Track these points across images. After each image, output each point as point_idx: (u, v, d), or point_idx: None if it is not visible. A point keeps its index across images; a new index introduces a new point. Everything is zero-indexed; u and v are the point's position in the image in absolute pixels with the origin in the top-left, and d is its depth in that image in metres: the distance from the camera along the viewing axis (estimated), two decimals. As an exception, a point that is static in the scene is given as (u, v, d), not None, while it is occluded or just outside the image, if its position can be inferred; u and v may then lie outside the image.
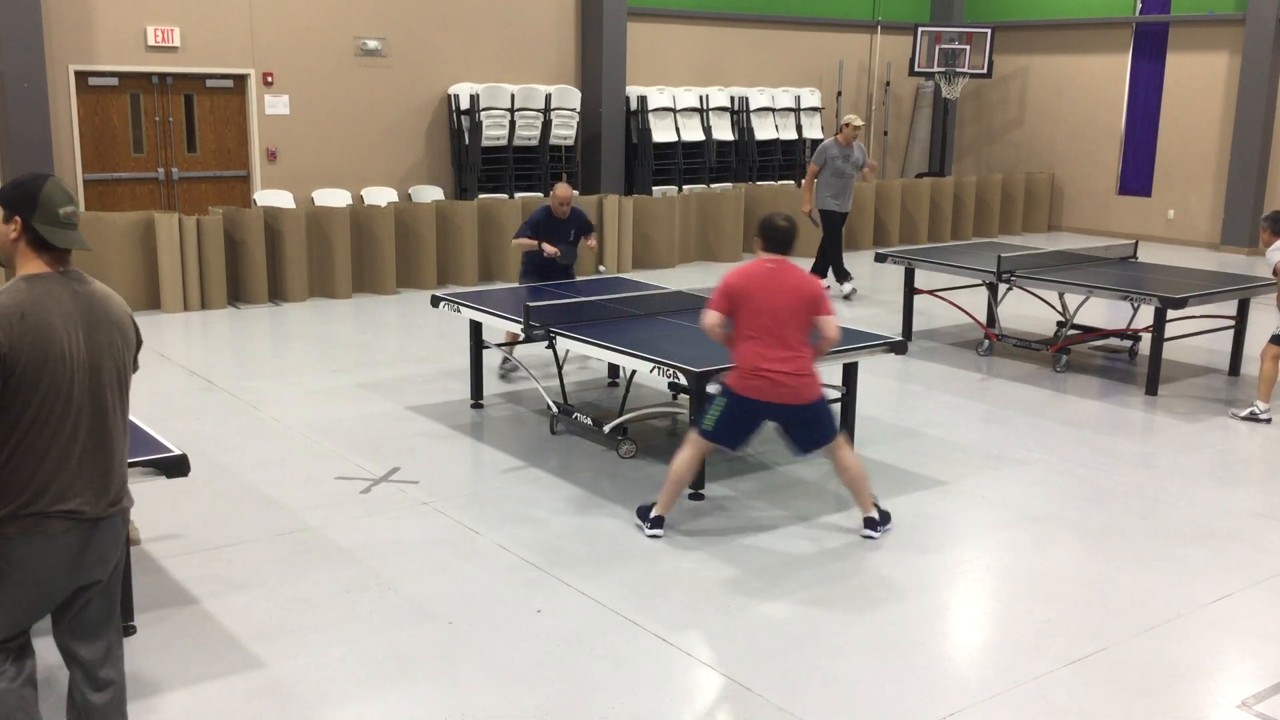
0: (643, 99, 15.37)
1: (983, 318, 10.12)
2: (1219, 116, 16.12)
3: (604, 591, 4.98)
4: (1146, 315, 8.78)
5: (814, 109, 17.03)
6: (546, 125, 14.56)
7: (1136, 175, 17.17)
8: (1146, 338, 8.94)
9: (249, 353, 9.29)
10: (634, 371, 6.74)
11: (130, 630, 4.51)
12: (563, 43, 15.23)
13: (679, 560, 5.33)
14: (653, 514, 5.61)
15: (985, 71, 17.26)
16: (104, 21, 12.15)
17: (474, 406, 7.77)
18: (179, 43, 12.55)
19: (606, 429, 6.81)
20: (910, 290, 10.14)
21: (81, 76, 12.17)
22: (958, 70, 17.20)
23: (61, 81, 12.01)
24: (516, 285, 8.63)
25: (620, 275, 11.62)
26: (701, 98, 15.90)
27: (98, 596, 3.33)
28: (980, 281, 9.80)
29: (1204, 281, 8.92)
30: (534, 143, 14.51)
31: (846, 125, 11.57)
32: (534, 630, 4.63)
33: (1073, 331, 9.54)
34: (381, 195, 13.74)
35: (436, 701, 4.09)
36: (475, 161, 14.02)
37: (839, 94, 17.92)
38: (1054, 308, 9.96)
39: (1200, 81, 16.27)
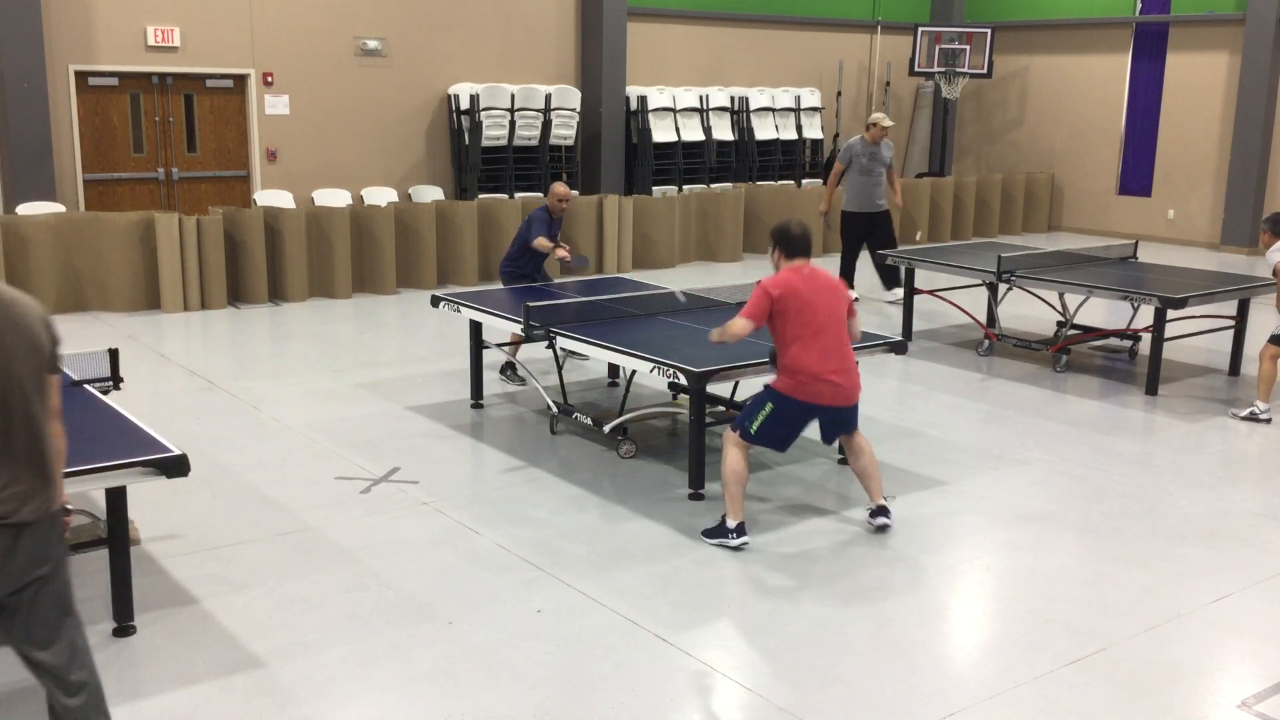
0: (643, 99, 15.37)
1: (983, 318, 10.12)
2: (1219, 116, 16.12)
3: (604, 591, 4.98)
4: (1146, 315, 8.78)
5: (814, 109, 17.03)
6: (546, 125, 14.56)
7: (1136, 175, 17.17)
8: (1146, 338, 8.94)
9: (249, 353, 9.28)
10: (634, 371, 6.74)
11: (130, 630, 4.52)
12: (563, 43, 15.23)
13: (679, 560, 5.33)
14: (731, 524, 5.44)
15: (985, 71, 17.26)
16: (104, 21, 12.15)
17: (474, 406, 7.77)
18: (179, 43, 12.55)
19: (606, 429, 6.81)
20: (910, 290, 10.14)
21: (81, 76, 12.17)
22: (958, 70, 17.20)
23: (61, 81, 12.01)
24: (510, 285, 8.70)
25: (620, 275, 11.63)
26: (701, 98, 15.90)
27: (45, 598, 3.25)
28: (980, 281, 9.80)
29: (1204, 281, 8.92)
30: (534, 143, 14.52)
31: (874, 124, 11.10)
32: (534, 630, 4.63)
33: (1073, 331, 9.54)
34: (381, 195, 13.75)
35: (436, 701, 4.09)
36: (475, 161, 14.03)
37: (839, 94, 17.92)
38: (1054, 308, 9.96)
39: (1200, 81, 16.28)
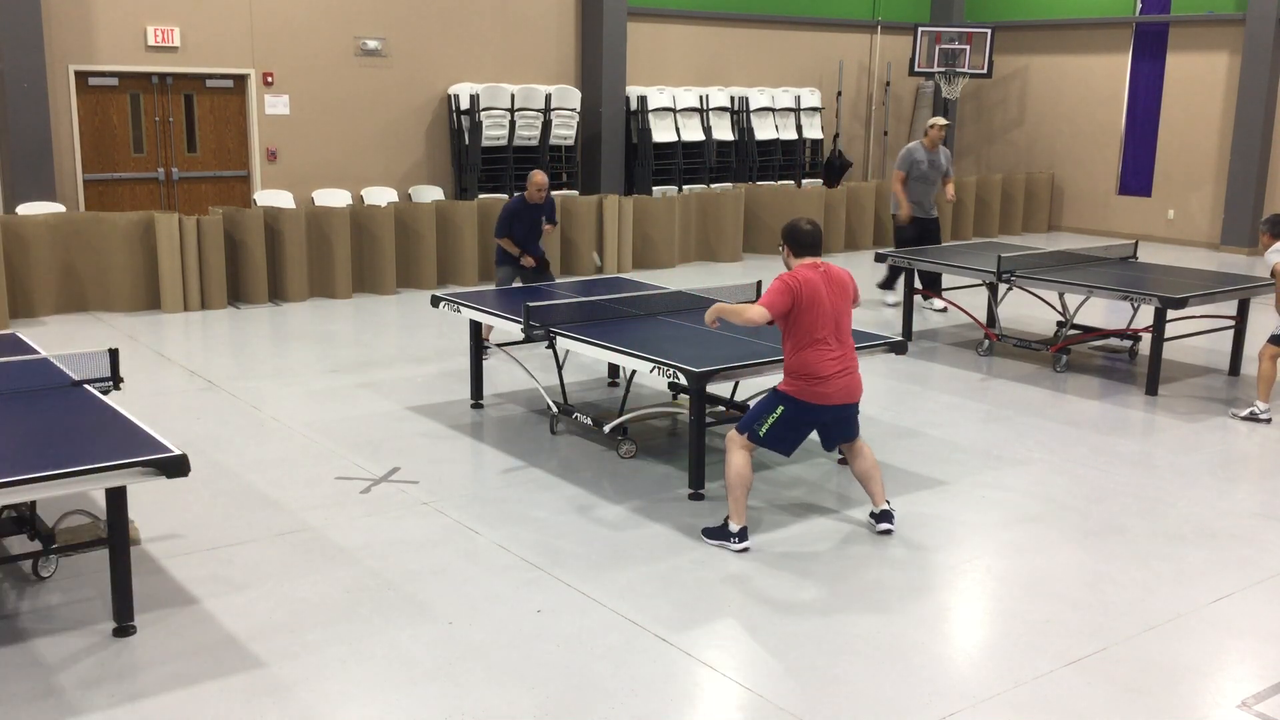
0: (643, 99, 15.37)
1: (983, 318, 10.12)
2: (1219, 116, 16.12)
3: (604, 591, 4.98)
4: (1146, 315, 8.78)
5: (814, 109, 17.03)
6: (546, 125, 14.56)
7: (1136, 175, 17.17)
8: (1146, 338, 8.94)
9: (249, 353, 9.29)
10: (634, 371, 6.74)
11: (130, 630, 4.52)
12: (563, 43, 15.23)
13: (679, 560, 5.33)
14: (734, 528, 5.43)
15: (985, 71, 17.26)
16: (104, 21, 12.15)
17: (474, 406, 7.77)
18: (179, 43, 12.55)
19: (606, 429, 6.81)
20: (910, 290, 10.14)
21: (81, 76, 12.17)
22: (958, 70, 17.19)
23: (61, 81, 12.01)
24: (511, 286, 8.81)
25: (620, 275, 11.63)
26: (701, 98, 15.90)
27: None
28: (980, 281, 9.80)
29: (1204, 281, 8.92)
30: (534, 143, 14.52)
31: (932, 127, 10.89)
32: (534, 630, 4.63)
33: (1073, 331, 9.54)
34: (381, 195, 13.75)
35: (436, 701, 4.09)
36: (475, 161, 14.02)
37: (839, 94, 17.92)
38: (1054, 308, 9.96)
39: (1200, 81, 16.27)
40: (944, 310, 11.21)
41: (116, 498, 4.40)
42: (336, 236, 11.47)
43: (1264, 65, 15.30)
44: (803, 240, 5.44)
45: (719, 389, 7.08)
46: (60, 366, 5.59)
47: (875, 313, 11.19)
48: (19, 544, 5.24)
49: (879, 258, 10.28)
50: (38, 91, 11.60)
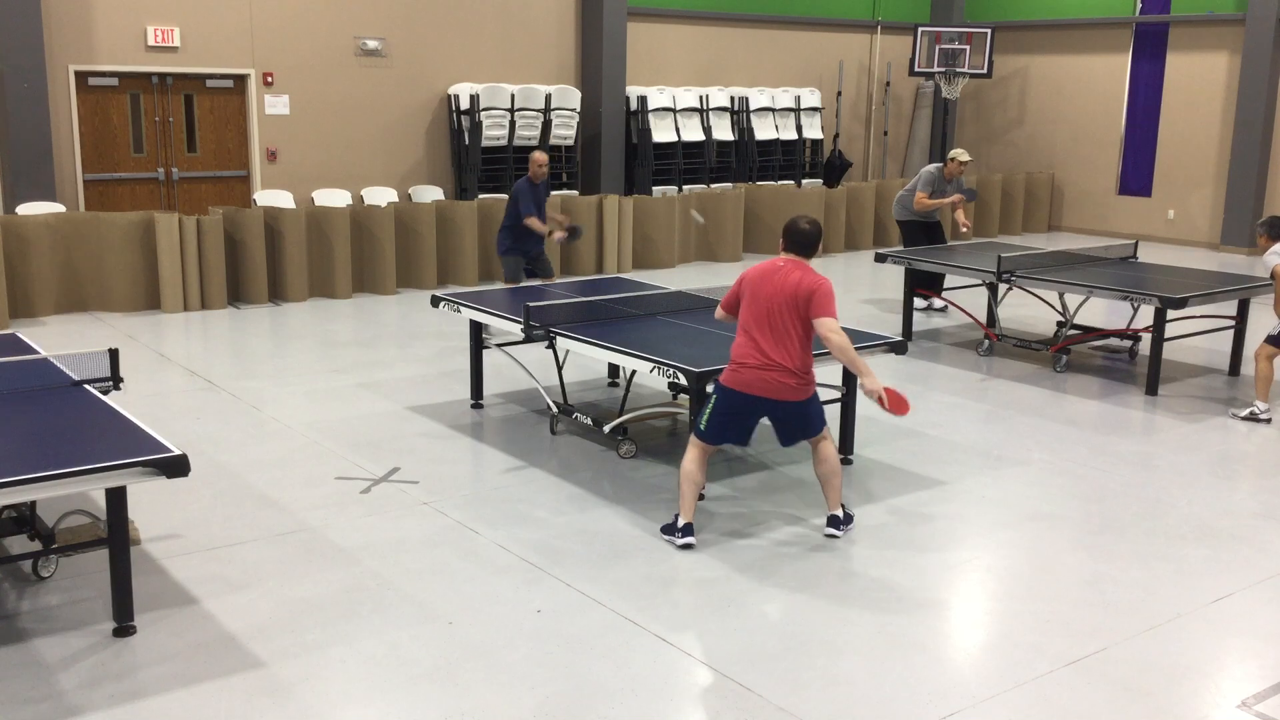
0: (643, 99, 15.37)
1: (983, 318, 10.12)
2: (1219, 116, 16.12)
3: (604, 591, 4.98)
4: (1146, 315, 8.78)
5: (814, 109, 17.03)
6: (546, 125, 14.56)
7: (1136, 175, 17.16)
8: (1146, 338, 8.94)
9: (249, 353, 9.29)
10: (634, 371, 6.74)
11: (130, 630, 4.52)
12: (563, 43, 15.23)
13: (679, 560, 5.33)
14: (680, 523, 5.50)
15: (985, 71, 17.25)
16: (104, 21, 12.15)
17: (474, 406, 7.77)
18: (179, 43, 12.55)
19: (606, 429, 6.81)
20: (910, 290, 10.14)
21: (81, 76, 12.17)
22: (958, 70, 17.19)
23: (61, 81, 12.01)
24: (509, 285, 8.93)
25: (620, 275, 11.62)
26: (701, 98, 15.90)
27: None
28: (980, 281, 9.80)
29: (1204, 281, 8.92)
30: (534, 143, 14.51)
31: (952, 160, 10.94)
32: (534, 630, 4.63)
33: (1073, 331, 9.54)
34: (381, 195, 13.75)
35: (436, 701, 4.09)
36: (475, 161, 14.02)
37: (839, 94, 17.92)
38: (1054, 308, 9.96)
39: (1200, 81, 16.27)
40: (944, 309, 11.21)
41: (116, 498, 4.40)
42: (336, 236, 11.47)
43: (1264, 65, 15.30)
44: (794, 237, 5.46)
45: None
46: (60, 366, 5.59)
47: (879, 314, 11.19)
48: (19, 544, 5.24)
49: (879, 258, 10.27)
50: (38, 91, 11.60)
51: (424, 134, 14.32)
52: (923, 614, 4.84)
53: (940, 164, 11.14)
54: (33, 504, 5.06)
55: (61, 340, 9.44)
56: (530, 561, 5.29)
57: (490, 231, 12.41)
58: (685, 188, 15.48)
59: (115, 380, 5.48)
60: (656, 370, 5.99)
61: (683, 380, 5.86)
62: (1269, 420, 7.73)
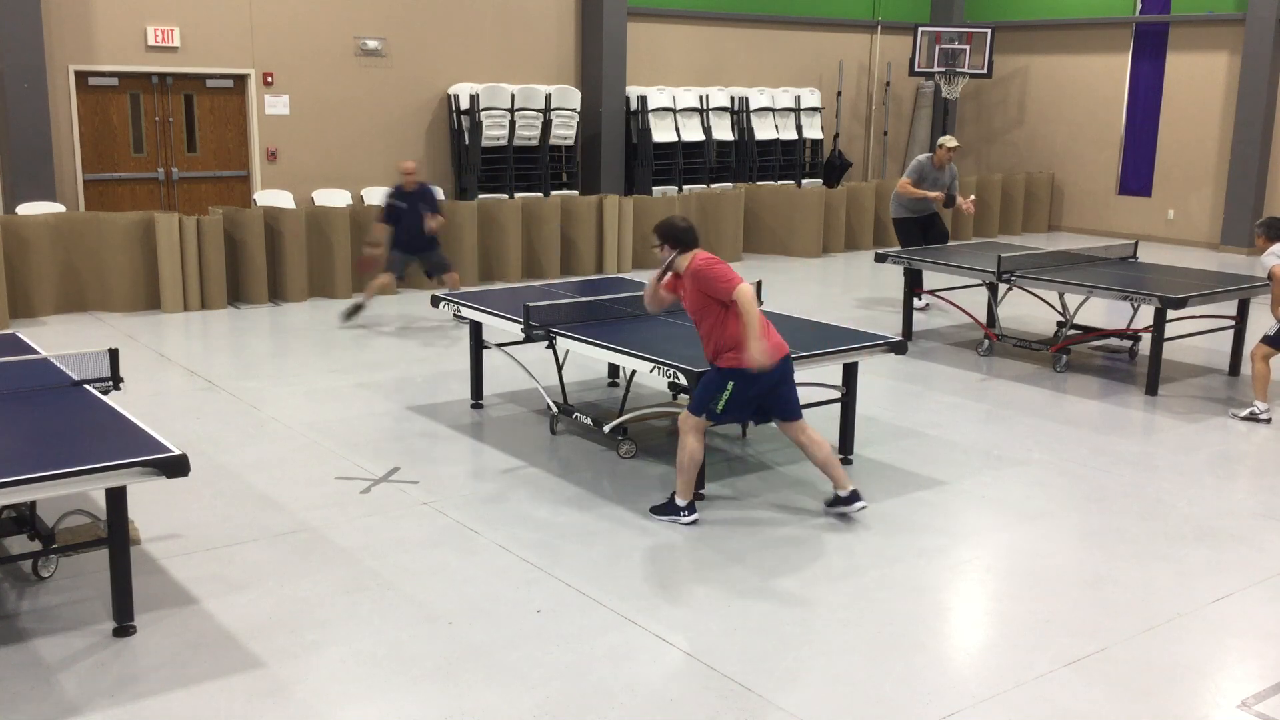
0: (643, 99, 15.37)
1: (983, 318, 10.12)
2: (1219, 116, 16.12)
3: (604, 591, 4.98)
4: (1146, 315, 8.78)
5: (814, 109, 17.03)
6: (546, 125, 14.56)
7: (1136, 175, 17.16)
8: (1146, 338, 8.94)
9: (249, 353, 9.29)
10: (634, 371, 6.74)
11: (130, 630, 4.52)
12: (563, 43, 15.23)
13: (679, 560, 5.33)
14: (682, 503, 5.71)
15: (985, 71, 17.25)
16: (104, 21, 12.15)
17: (474, 406, 7.77)
18: (179, 43, 12.55)
19: (606, 429, 6.81)
20: (910, 290, 10.14)
21: (81, 76, 12.17)
22: (958, 70, 17.19)
23: (61, 81, 12.01)
24: (510, 286, 8.88)
25: (620, 275, 11.62)
26: (701, 98, 15.90)
27: None
28: (980, 281, 9.80)
29: (1204, 281, 8.92)
30: (534, 143, 14.51)
31: (940, 147, 11.05)
32: (534, 630, 4.63)
33: (1073, 331, 9.54)
34: (381, 195, 13.70)
35: (436, 701, 4.09)
36: (475, 161, 14.02)
37: (839, 94, 17.92)
38: (1054, 308, 9.96)
39: (1200, 81, 16.27)
40: (925, 307, 11.24)
41: (116, 498, 4.40)
42: (336, 236, 11.46)
43: (1264, 65, 15.30)
44: (678, 237, 5.82)
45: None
46: (60, 366, 5.59)
47: (879, 314, 11.19)
48: (19, 544, 5.24)
49: (879, 258, 10.27)
50: (38, 91, 11.60)
51: (424, 134, 14.32)
52: (922, 614, 4.84)
53: (930, 154, 11.20)
54: (33, 504, 5.06)
55: (61, 340, 9.44)
56: (530, 561, 5.29)
57: (490, 231, 12.41)
58: (685, 187, 15.48)
59: (115, 380, 5.48)
60: (656, 370, 5.99)
61: (683, 380, 5.87)
62: (1269, 420, 7.73)
